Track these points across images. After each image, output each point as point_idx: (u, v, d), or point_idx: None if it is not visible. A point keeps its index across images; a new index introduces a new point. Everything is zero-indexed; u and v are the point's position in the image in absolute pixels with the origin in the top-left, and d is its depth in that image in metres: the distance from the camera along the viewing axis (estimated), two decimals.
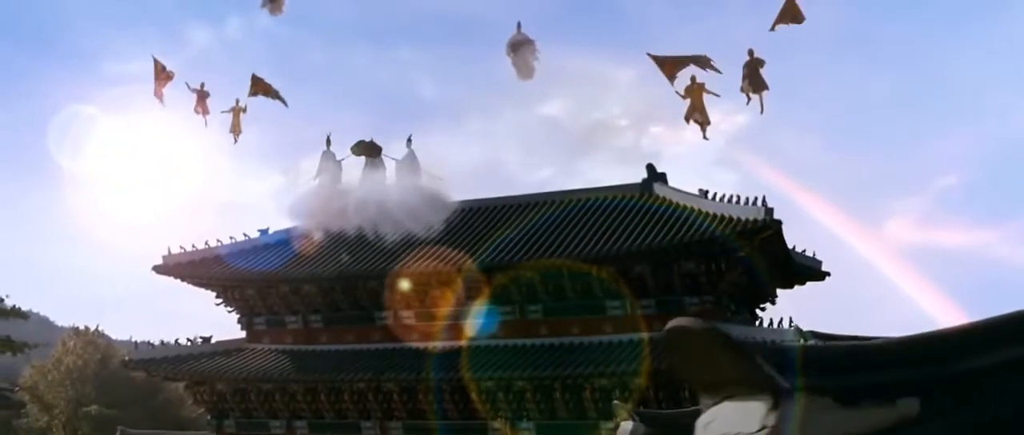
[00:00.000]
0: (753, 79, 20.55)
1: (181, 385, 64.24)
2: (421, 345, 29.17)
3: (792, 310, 42.75)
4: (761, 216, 24.34)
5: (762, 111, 24.30)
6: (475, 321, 28.81)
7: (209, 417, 31.55)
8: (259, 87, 26.96)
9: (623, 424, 10.54)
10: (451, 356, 28.19)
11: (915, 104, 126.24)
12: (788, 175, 24.88)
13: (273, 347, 31.24)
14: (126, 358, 31.32)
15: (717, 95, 24.64)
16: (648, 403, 25.83)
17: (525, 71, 21.59)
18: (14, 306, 38.05)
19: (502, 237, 28.85)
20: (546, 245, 27.74)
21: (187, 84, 26.11)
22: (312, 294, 30.61)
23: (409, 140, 25.62)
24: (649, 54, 22.60)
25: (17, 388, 34.13)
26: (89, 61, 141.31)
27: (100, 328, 60.96)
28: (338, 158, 26.13)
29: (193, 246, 31.67)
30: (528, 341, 27.87)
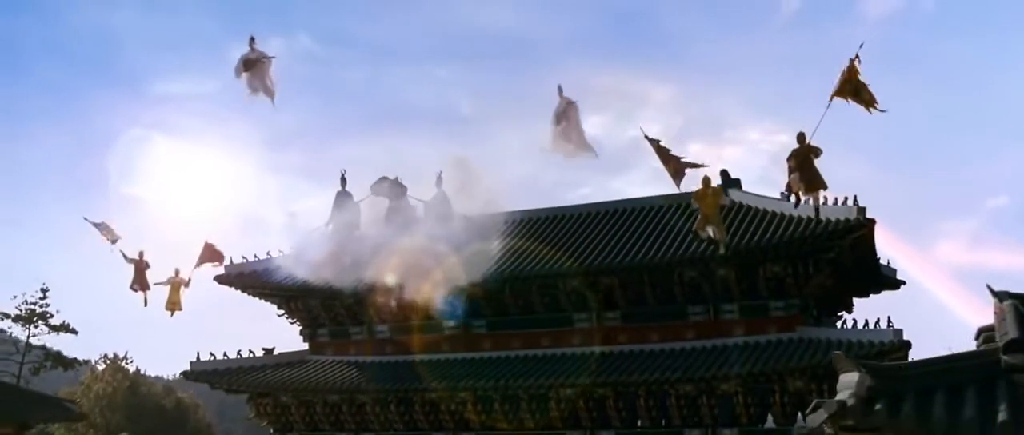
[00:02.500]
0: (806, 174, 16.71)
1: (210, 413, 63.26)
2: (493, 354, 28.61)
3: None
4: (853, 216, 23.86)
5: (817, 217, 21.56)
6: (550, 329, 28.26)
7: (272, 430, 30.82)
8: (208, 255, 23.93)
9: (844, 376, 9.97)
10: (526, 364, 27.63)
11: (965, 124, 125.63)
12: (835, 195, 24.44)
13: (337, 358, 30.65)
14: (188, 368, 30.55)
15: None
16: (735, 409, 25.33)
17: (577, 144, 18.28)
18: (64, 322, 37.77)
19: (576, 244, 28.38)
20: (622, 251, 27.27)
21: (123, 254, 23.40)
22: (378, 304, 30.00)
23: (439, 178, 23.53)
24: (646, 136, 18.29)
25: (78, 402, 33.38)
26: (137, 82, 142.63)
27: (128, 356, 60.52)
28: (355, 199, 23.71)
29: (255, 256, 31.16)
30: (606, 348, 27.26)
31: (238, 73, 19.08)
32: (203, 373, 30.49)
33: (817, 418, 9.94)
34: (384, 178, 22.64)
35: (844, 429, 9.90)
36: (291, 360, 30.85)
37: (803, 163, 16.60)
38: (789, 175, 16.89)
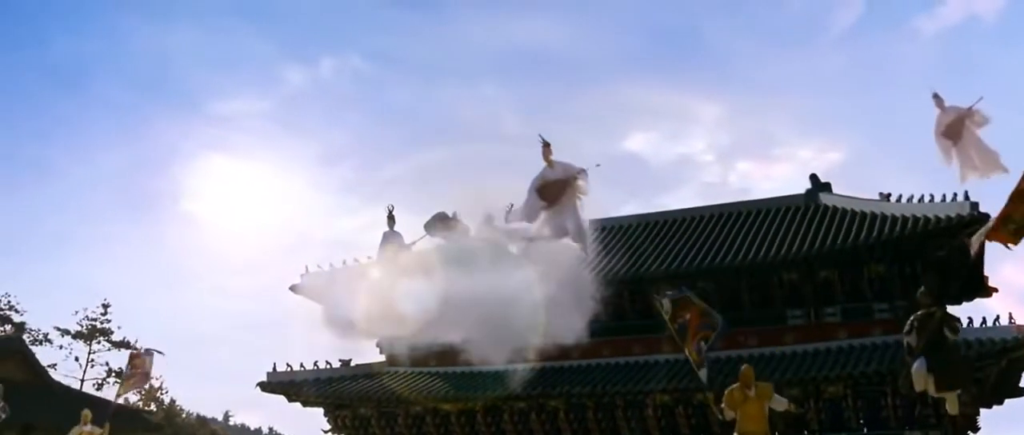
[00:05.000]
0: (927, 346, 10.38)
1: None
2: (581, 362, 27.96)
3: None
4: (965, 211, 23.41)
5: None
6: (641, 336, 27.66)
7: None
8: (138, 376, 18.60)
9: None
10: (617, 372, 27.04)
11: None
12: (943, 192, 24.06)
13: (416, 370, 29.95)
14: (265, 378, 29.81)
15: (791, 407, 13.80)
16: (842, 411, 24.69)
17: (983, 162, 13.39)
18: (124, 338, 37.08)
19: (666, 250, 27.93)
20: (715, 254, 26.81)
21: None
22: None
23: (509, 211, 20.89)
24: (661, 301, 13.98)
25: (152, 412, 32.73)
26: (193, 102, 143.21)
27: (164, 386, 59.60)
28: (406, 241, 21.35)
29: (330, 265, 30.56)
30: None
31: (531, 211, 11.22)
32: (280, 385, 29.78)
33: None
34: (440, 214, 19.85)
35: None
36: (369, 371, 30.18)
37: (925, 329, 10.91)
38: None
